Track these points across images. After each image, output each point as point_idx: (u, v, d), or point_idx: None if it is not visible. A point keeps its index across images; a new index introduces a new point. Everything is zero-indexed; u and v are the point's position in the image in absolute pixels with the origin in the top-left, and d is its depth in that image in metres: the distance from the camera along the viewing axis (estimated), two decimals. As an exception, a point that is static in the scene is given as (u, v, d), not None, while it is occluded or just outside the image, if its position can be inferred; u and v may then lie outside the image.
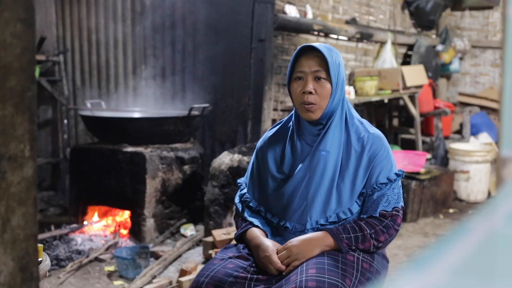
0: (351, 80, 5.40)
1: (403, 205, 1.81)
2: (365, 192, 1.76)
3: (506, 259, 0.46)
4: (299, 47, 1.82)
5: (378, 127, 1.69)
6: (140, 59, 4.93)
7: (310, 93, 1.76)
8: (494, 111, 6.70)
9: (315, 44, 1.78)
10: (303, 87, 1.77)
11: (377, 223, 1.73)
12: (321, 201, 1.77)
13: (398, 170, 1.80)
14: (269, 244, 1.75)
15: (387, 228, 1.74)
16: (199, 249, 3.59)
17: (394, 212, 1.76)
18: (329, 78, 1.77)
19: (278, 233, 1.86)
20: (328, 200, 1.77)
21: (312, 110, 1.77)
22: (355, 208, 1.76)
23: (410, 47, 6.56)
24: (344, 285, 1.59)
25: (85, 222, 3.98)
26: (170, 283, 3.05)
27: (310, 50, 1.79)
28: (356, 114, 1.89)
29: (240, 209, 1.96)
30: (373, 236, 1.71)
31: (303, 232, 1.76)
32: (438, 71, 6.87)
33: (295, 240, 1.73)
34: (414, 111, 5.59)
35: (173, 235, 3.97)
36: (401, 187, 1.83)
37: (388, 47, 5.93)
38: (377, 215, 1.74)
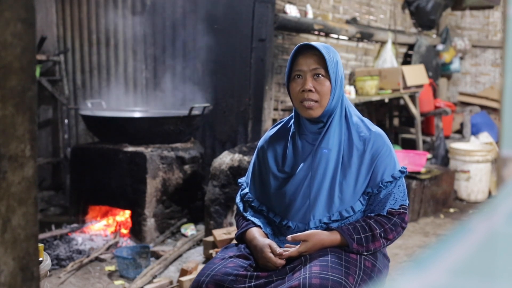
0: (352, 79, 5.40)
1: (408, 202, 1.81)
2: (371, 191, 1.75)
3: (506, 259, 0.46)
4: (296, 46, 1.82)
5: (378, 126, 1.69)
6: (140, 59, 4.93)
7: (310, 91, 1.76)
8: (495, 110, 6.70)
9: (313, 43, 1.78)
10: (302, 86, 1.77)
11: (386, 221, 1.73)
12: (324, 200, 1.76)
13: (401, 167, 1.80)
14: (266, 244, 1.75)
15: (395, 226, 1.74)
16: (200, 249, 3.59)
17: (401, 210, 1.76)
18: (327, 75, 1.77)
19: (281, 232, 1.85)
20: (331, 199, 1.76)
21: (313, 108, 1.77)
22: (358, 207, 1.76)
23: (411, 46, 6.56)
24: (348, 282, 1.59)
25: (85, 222, 3.98)
26: (171, 282, 3.05)
27: (308, 49, 1.79)
28: (356, 112, 1.89)
29: (241, 208, 1.95)
30: (382, 235, 1.71)
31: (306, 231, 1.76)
32: (439, 71, 6.87)
33: (316, 239, 1.70)
34: (414, 110, 5.59)
35: (173, 234, 3.97)
36: (405, 184, 1.83)
37: (389, 46, 5.93)
38: (385, 213, 1.74)
